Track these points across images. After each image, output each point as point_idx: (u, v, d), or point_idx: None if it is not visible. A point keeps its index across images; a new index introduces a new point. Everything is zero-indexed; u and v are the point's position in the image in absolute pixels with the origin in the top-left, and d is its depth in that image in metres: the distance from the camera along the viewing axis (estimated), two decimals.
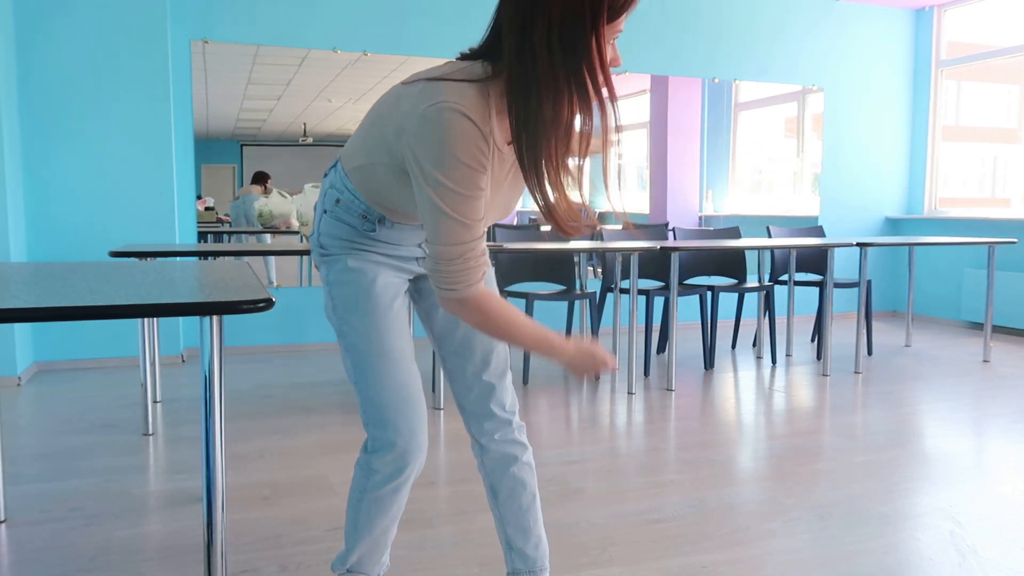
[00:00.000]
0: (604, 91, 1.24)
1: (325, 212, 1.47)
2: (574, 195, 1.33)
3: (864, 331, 4.64)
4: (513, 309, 1.37)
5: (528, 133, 1.24)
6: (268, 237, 5.22)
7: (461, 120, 1.21)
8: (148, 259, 3.01)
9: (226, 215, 5.21)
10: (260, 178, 5.20)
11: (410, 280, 1.55)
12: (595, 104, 1.24)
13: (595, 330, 4.30)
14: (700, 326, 4.77)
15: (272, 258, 5.16)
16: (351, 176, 1.42)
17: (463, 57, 1.32)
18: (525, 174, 1.28)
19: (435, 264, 1.29)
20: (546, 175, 1.28)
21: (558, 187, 1.29)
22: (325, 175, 1.51)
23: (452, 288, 1.30)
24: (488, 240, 3.63)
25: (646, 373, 4.38)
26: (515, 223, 5.78)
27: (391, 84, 1.39)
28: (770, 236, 5.04)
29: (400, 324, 1.48)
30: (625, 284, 4.27)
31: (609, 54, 1.25)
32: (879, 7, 6.40)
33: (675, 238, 5.13)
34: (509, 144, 1.30)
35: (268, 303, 1.34)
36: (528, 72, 1.21)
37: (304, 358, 4.81)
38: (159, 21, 4.42)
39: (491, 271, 1.45)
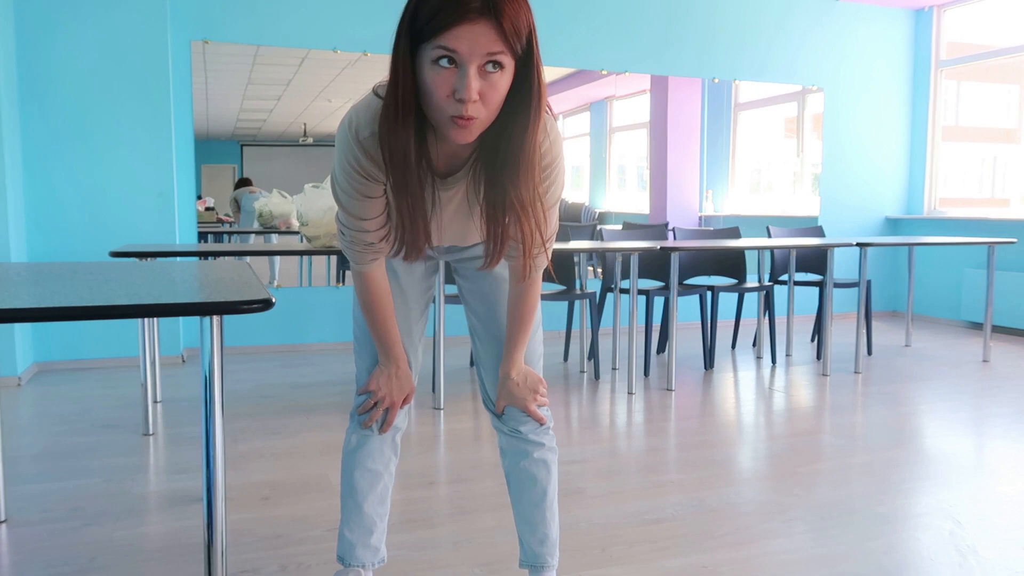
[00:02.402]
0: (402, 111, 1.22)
1: None
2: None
3: (864, 331, 4.64)
4: (381, 303, 1.51)
5: None
6: (274, 237, 5.23)
7: (345, 130, 1.32)
8: (148, 259, 3.01)
9: (226, 215, 5.21)
10: (245, 182, 5.23)
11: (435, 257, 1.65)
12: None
13: (595, 330, 4.30)
14: (700, 326, 4.77)
15: (277, 258, 5.16)
16: None
17: None
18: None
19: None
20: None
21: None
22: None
23: (347, 257, 1.48)
24: None
25: (646, 373, 4.38)
26: None
27: None
28: (770, 236, 5.04)
29: (401, 285, 1.59)
30: (625, 284, 4.27)
31: (440, 83, 1.16)
32: (879, 7, 6.40)
33: (675, 238, 5.13)
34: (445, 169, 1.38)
35: (268, 303, 1.34)
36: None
37: (304, 358, 4.81)
38: (159, 21, 4.42)
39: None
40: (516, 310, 1.53)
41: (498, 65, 1.15)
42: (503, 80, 1.18)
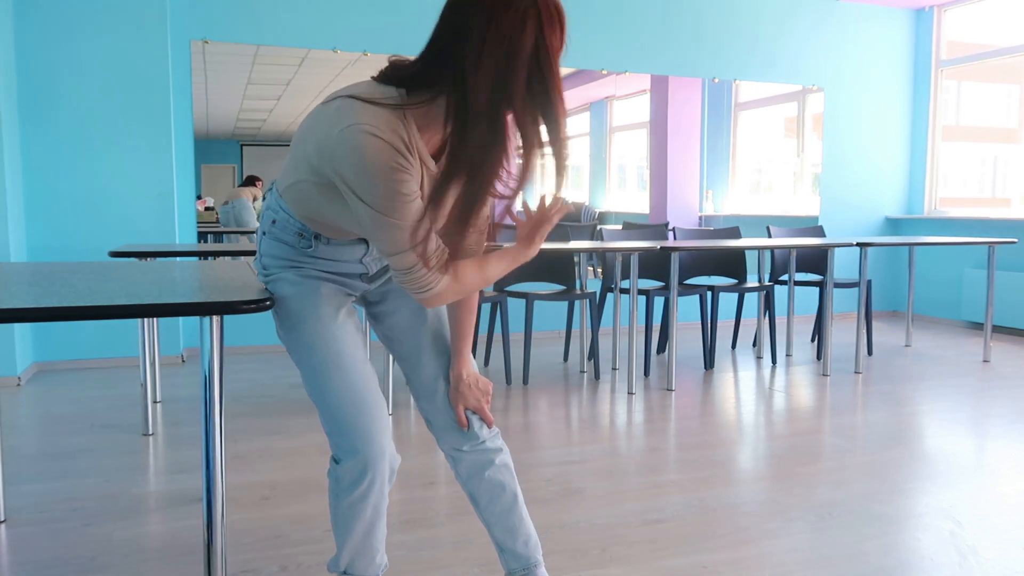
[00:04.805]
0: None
1: (264, 234, 1.51)
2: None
3: (864, 331, 4.64)
4: (482, 264, 1.42)
5: (473, 159, 1.26)
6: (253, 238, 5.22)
7: (373, 140, 1.24)
8: (148, 259, 3.01)
9: None
10: (251, 180, 5.22)
11: (356, 296, 1.59)
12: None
13: (595, 330, 4.30)
14: (700, 326, 4.77)
15: None
16: (284, 196, 1.45)
17: (381, 77, 1.33)
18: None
19: (399, 275, 1.35)
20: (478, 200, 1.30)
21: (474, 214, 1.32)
22: (264, 198, 1.58)
23: (426, 290, 1.35)
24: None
25: (646, 373, 4.38)
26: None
27: None
28: (770, 236, 5.04)
29: (347, 333, 1.50)
30: (625, 284, 4.27)
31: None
32: (879, 7, 6.40)
33: (675, 238, 5.13)
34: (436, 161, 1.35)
35: (268, 303, 1.34)
36: (482, 103, 1.23)
37: None
38: (159, 21, 4.42)
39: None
40: (461, 302, 1.55)
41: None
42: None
